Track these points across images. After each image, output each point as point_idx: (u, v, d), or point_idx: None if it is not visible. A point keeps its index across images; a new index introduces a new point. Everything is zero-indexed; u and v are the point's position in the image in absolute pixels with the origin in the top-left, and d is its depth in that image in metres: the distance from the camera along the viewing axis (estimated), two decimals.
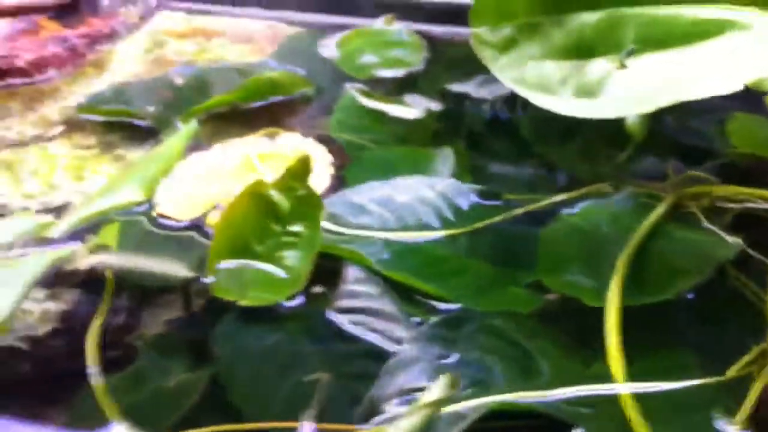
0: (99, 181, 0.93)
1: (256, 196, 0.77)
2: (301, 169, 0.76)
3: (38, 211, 0.89)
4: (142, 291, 0.77)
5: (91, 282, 0.79)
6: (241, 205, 0.77)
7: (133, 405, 0.66)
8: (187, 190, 0.87)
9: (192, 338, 0.74)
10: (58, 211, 0.89)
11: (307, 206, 0.76)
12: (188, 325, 0.75)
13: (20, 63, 1.07)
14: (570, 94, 0.75)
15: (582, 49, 0.77)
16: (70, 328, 0.76)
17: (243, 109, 1.05)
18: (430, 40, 1.21)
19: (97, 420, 0.65)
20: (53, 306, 0.77)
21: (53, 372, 0.73)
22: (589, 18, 0.77)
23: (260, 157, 0.91)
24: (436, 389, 0.55)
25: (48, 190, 0.92)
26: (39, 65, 1.08)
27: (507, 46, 0.83)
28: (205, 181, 0.89)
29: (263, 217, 0.77)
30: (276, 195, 0.77)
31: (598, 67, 0.75)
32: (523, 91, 0.79)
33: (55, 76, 1.09)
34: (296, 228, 0.77)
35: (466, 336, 0.69)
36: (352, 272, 0.74)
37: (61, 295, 0.78)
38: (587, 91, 0.74)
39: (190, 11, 1.31)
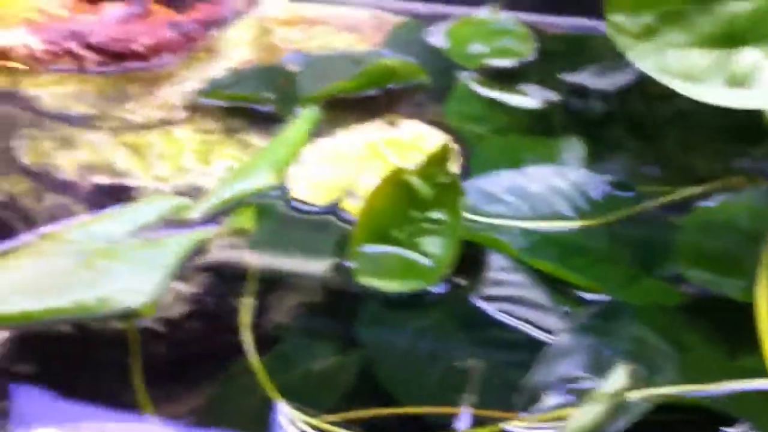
0: (226, 165, 0.94)
1: (397, 182, 0.77)
2: (441, 156, 0.76)
3: (173, 194, 0.89)
4: (283, 274, 0.78)
5: (230, 265, 0.79)
6: (382, 191, 0.77)
7: (284, 387, 0.66)
8: (320, 175, 0.87)
9: (337, 322, 0.74)
10: (191, 193, 0.90)
11: (448, 193, 0.76)
12: (332, 310, 0.75)
13: (137, 47, 1.08)
14: (719, 83, 0.74)
15: (732, 38, 0.75)
16: (208, 310, 0.77)
17: (359, 97, 1.05)
18: (536, 29, 1.20)
19: (254, 399, 0.65)
20: (188, 288, 0.78)
21: (194, 353, 0.74)
22: (740, 6, 0.76)
23: (386, 143, 0.91)
24: (617, 379, 0.55)
25: (178, 174, 0.93)
26: (155, 50, 1.09)
27: (646, 33, 0.81)
28: (335, 166, 0.89)
29: (404, 204, 0.77)
30: (416, 182, 0.76)
31: (750, 56, 0.73)
32: (666, 79, 0.77)
33: (170, 61, 1.10)
34: (436, 215, 0.77)
35: (619, 327, 0.68)
36: (495, 260, 0.74)
37: (197, 277, 0.78)
38: (738, 81, 0.73)
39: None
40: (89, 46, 1.08)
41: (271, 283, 0.77)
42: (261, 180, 0.84)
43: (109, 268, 0.74)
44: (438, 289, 0.73)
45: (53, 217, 0.90)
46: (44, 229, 0.82)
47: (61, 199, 0.92)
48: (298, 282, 0.77)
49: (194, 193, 0.90)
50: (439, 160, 0.76)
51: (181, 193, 0.90)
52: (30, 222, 0.90)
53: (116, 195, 0.91)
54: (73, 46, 1.08)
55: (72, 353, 0.73)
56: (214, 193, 0.84)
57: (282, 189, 0.86)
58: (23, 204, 0.91)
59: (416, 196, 0.77)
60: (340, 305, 0.75)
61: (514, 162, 0.86)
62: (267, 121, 1.01)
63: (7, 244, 0.81)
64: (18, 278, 0.73)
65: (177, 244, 0.76)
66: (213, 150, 0.97)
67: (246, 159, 0.94)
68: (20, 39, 1.09)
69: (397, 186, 0.77)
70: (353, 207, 0.83)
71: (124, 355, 0.71)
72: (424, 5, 1.33)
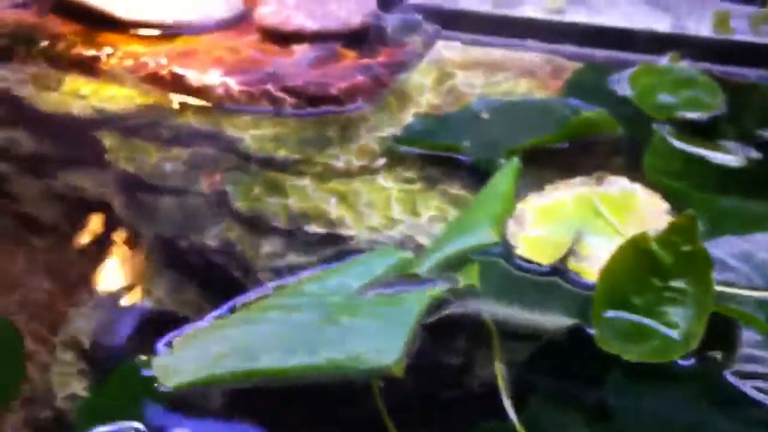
0: (433, 217, 0.94)
1: (637, 249, 0.76)
2: (687, 224, 0.75)
3: (387, 245, 0.90)
4: (519, 334, 0.77)
5: (462, 321, 0.79)
6: (622, 257, 0.76)
7: None
8: (539, 232, 0.87)
9: (580, 387, 0.73)
10: (405, 245, 0.90)
11: (694, 263, 0.75)
12: (573, 373, 0.75)
13: (333, 91, 1.10)
14: None
15: None
16: (444, 365, 0.77)
17: (554, 148, 1.05)
18: (720, 79, 1.18)
19: None
20: (420, 342, 0.77)
21: (437, 407, 0.74)
22: None
23: (601, 201, 0.90)
24: None
25: (389, 224, 0.93)
26: (349, 94, 1.10)
27: None
28: (553, 223, 0.88)
29: (644, 271, 0.76)
30: (658, 249, 0.76)
31: None
32: None
33: (362, 105, 1.11)
34: (679, 284, 0.75)
35: None
36: (747, 334, 0.72)
37: (429, 332, 0.78)
38: None
39: (465, 42, 1.31)
40: (286, 89, 1.10)
41: (507, 341, 0.76)
42: (482, 236, 0.84)
43: (353, 325, 0.74)
44: (686, 361, 0.72)
45: (272, 266, 0.91)
46: (281, 281, 0.84)
47: (277, 246, 0.93)
48: (535, 342, 0.77)
49: (409, 244, 0.91)
50: (684, 228, 0.75)
51: (395, 244, 0.91)
52: (248, 270, 0.92)
53: (332, 244, 0.92)
54: (271, 88, 1.09)
55: (313, 405, 0.74)
56: (436, 248, 0.85)
57: (503, 245, 0.85)
58: (240, 251, 0.93)
59: (658, 264, 0.76)
60: (582, 369, 0.74)
61: (743, 227, 0.84)
62: (466, 171, 1.02)
63: (245, 296, 0.83)
64: (265, 332, 0.74)
65: (415, 301, 0.76)
66: (418, 200, 0.97)
67: (456, 212, 0.94)
68: (217, 79, 1.11)
69: (637, 252, 0.76)
70: (580, 268, 0.83)
71: (368, 407, 0.72)
72: (599, 51, 1.32)
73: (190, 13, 1.25)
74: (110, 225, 1.06)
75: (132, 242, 1.02)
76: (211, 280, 0.93)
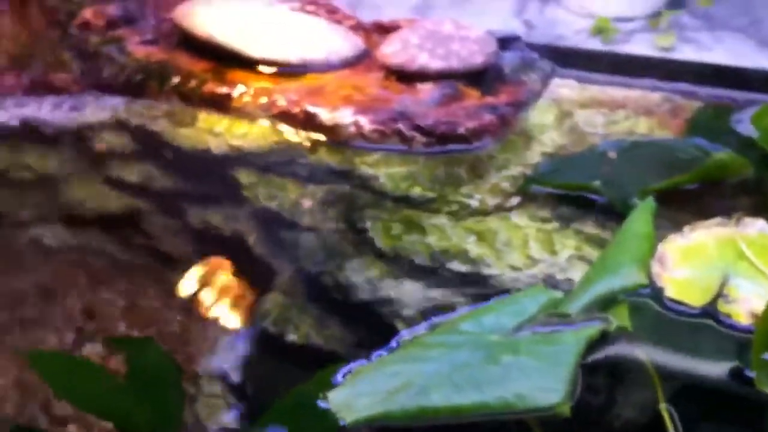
0: (572, 256, 0.96)
1: None
2: None
3: (529, 284, 0.92)
4: (678, 379, 0.78)
5: (618, 363, 0.80)
6: None
7: None
8: (685, 275, 0.88)
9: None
10: (547, 284, 0.92)
11: None
12: (733, 419, 0.75)
13: (461, 130, 1.12)
14: None
15: None
16: (594, 406, 0.78)
17: (683, 188, 1.05)
18: None
19: None
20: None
21: None
22: None
23: (747, 244, 0.91)
24: None
25: (529, 263, 0.95)
26: (478, 133, 1.13)
27: None
28: (699, 265, 0.89)
29: None
30: None
31: None
32: None
33: (489, 144, 1.13)
34: None
35: None
36: None
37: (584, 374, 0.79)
38: None
39: (579, 79, 1.33)
40: (417, 128, 1.12)
41: (665, 383, 0.77)
42: (630, 278, 0.85)
43: (515, 364, 0.76)
44: None
45: (417, 303, 0.93)
46: (434, 320, 0.86)
47: (421, 284, 0.95)
48: (694, 385, 0.78)
49: (550, 283, 0.93)
50: None
51: (537, 283, 0.92)
52: (393, 306, 0.94)
53: (475, 282, 0.94)
54: (402, 127, 1.12)
55: None
56: (584, 289, 0.86)
57: (651, 287, 0.86)
58: (383, 288, 0.95)
59: None
60: (742, 412, 0.75)
61: None
62: (599, 210, 1.03)
63: (403, 334, 0.85)
64: (431, 370, 0.76)
65: (572, 341, 0.78)
66: (554, 239, 0.99)
67: (593, 252, 0.95)
68: (349, 118, 1.14)
69: None
70: (730, 309, 0.83)
71: None
72: (713, 89, 1.33)
73: (315, 51, 1.28)
74: (247, 261, 1.09)
75: (271, 277, 1.05)
76: (355, 316, 0.95)
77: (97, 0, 1.37)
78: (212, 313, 1.10)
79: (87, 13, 1.33)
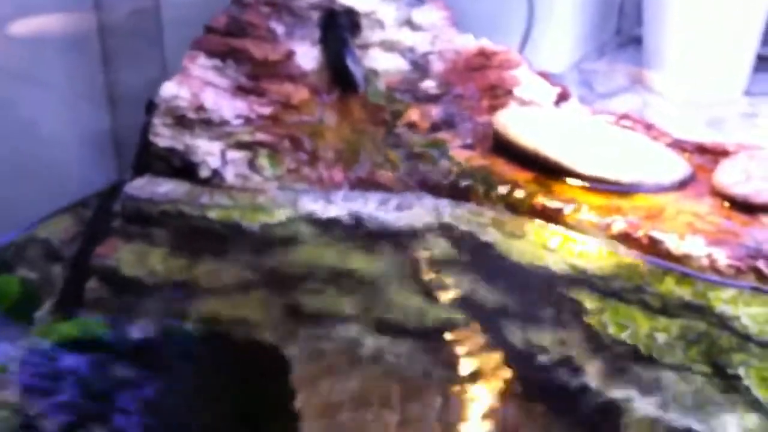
0: None
1: None
2: None
3: None
4: None
5: None
6: None
7: None
8: None
9: None
10: None
11: None
12: None
13: None
14: None
15: None
16: None
17: None
18: None
19: None
20: None
21: None
22: None
23: None
24: None
25: None
26: None
27: None
28: None
29: None
30: None
31: None
32: None
33: None
34: None
35: None
36: None
37: None
38: None
39: None
40: None
41: None
42: None
43: None
44: None
45: None
46: None
47: None
48: None
49: None
50: None
51: None
52: None
53: None
54: (762, 264, 1.06)
55: None
56: None
57: None
58: None
59: None
60: None
61: None
62: None
63: None
64: None
65: None
66: None
67: None
68: (702, 250, 1.10)
69: None
70: None
71: None
72: None
73: (644, 172, 1.25)
74: (581, 392, 1.05)
75: (618, 415, 1.00)
76: None
77: (419, 100, 1.38)
78: None
79: (413, 114, 1.35)
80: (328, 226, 1.23)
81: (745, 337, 1.00)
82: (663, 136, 1.40)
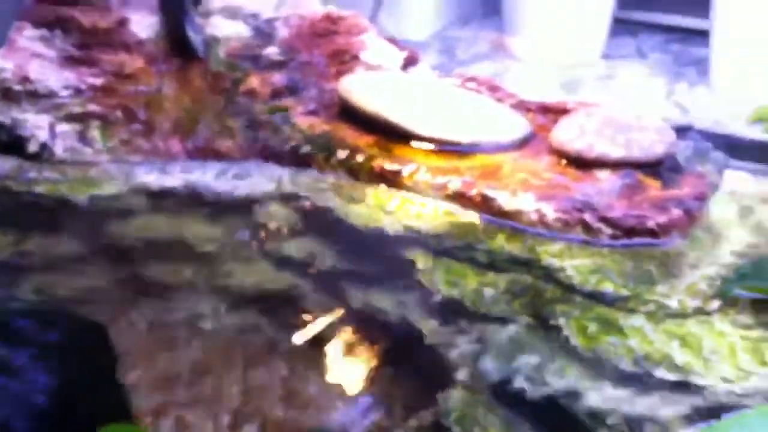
0: None
1: None
2: None
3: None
4: None
5: None
6: None
7: None
8: None
9: None
10: (766, 398, 0.86)
11: None
12: None
13: (651, 225, 1.07)
14: None
15: None
16: None
17: None
18: None
19: None
20: None
21: None
22: None
23: None
24: None
25: (742, 375, 0.89)
26: (666, 228, 1.08)
27: None
28: None
29: None
30: None
31: None
32: None
33: (676, 240, 1.08)
34: None
35: None
36: None
37: None
38: None
39: (752, 171, 1.27)
40: (604, 220, 1.08)
41: None
42: None
43: None
44: None
45: (624, 412, 0.88)
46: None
47: (625, 391, 0.90)
48: None
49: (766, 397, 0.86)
50: None
51: (751, 397, 0.86)
52: (594, 413, 0.89)
53: (686, 393, 0.88)
54: (587, 217, 1.08)
55: None
56: None
57: None
58: (580, 391, 0.90)
59: None
60: None
61: None
62: None
63: None
64: None
65: None
66: (763, 350, 0.93)
67: None
68: (531, 204, 1.10)
69: None
70: None
71: None
72: None
73: (485, 132, 1.25)
74: (417, 350, 1.05)
75: (448, 370, 1.00)
76: (551, 421, 0.90)
77: (261, 67, 1.35)
78: (375, 402, 1.05)
79: (253, 81, 1.32)
80: (163, 198, 1.20)
81: (569, 288, 1.01)
82: (509, 97, 1.40)
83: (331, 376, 1.11)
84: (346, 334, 1.14)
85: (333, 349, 1.13)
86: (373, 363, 1.09)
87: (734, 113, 1.57)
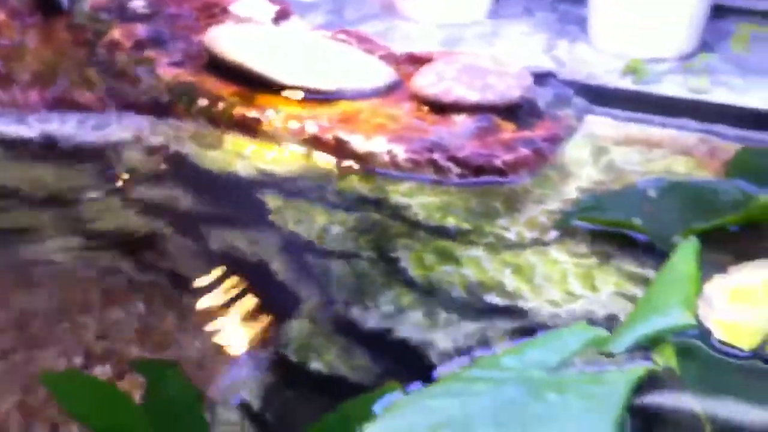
0: (613, 293, 0.92)
1: None
2: None
3: (569, 320, 0.88)
4: (734, 425, 0.74)
5: (670, 408, 0.76)
6: None
7: None
8: (734, 316, 0.84)
9: None
10: (589, 321, 0.88)
11: None
12: None
13: (498, 163, 1.09)
14: None
15: None
16: None
17: (725, 230, 1.02)
18: None
19: None
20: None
21: None
22: None
23: None
24: None
25: (568, 299, 0.91)
26: (514, 166, 1.10)
27: None
28: (746, 307, 0.86)
29: None
30: None
31: None
32: None
33: (525, 178, 1.10)
34: None
35: None
36: None
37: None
38: None
39: (614, 117, 1.31)
40: (452, 159, 1.09)
41: (715, 430, 0.73)
42: (676, 318, 0.82)
43: (560, 402, 0.72)
44: None
45: (451, 335, 0.90)
46: (475, 354, 0.82)
47: (455, 315, 0.92)
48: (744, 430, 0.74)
49: (591, 320, 0.89)
50: None
51: (577, 318, 0.89)
52: (425, 338, 0.91)
53: (511, 316, 0.91)
54: (437, 157, 1.09)
55: None
56: (628, 327, 0.82)
57: (699, 328, 0.83)
58: (414, 318, 0.92)
59: None
60: None
61: None
62: (640, 248, 1.00)
63: (444, 367, 0.81)
64: (475, 405, 0.72)
65: (620, 382, 0.74)
66: (594, 275, 0.95)
67: (635, 289, 0.92)
68: (383, 146, 1.12)
69: None
70: None
71: None
72: (754, 133, 1.30)
73: (348, 80, 1.26)
74: (269, 287, 1.06)
75: (295, 304, 1.01)
76: (385, 347, 0.92)
77: (126, 20, 1.34)
78: (230, 339, 1.06)
79: (116, 33, 1.31)
80: (19, 147, 1.18)
81: (414, 225, 1.02)
82: (379, 49, 1.41)
83: (188, 314, 1.11)
84: (204, 273, 1.13)
85: (191, 288, 1.13)
86: (228, 299, 1.09)
87: (610, 67, 1.60)
